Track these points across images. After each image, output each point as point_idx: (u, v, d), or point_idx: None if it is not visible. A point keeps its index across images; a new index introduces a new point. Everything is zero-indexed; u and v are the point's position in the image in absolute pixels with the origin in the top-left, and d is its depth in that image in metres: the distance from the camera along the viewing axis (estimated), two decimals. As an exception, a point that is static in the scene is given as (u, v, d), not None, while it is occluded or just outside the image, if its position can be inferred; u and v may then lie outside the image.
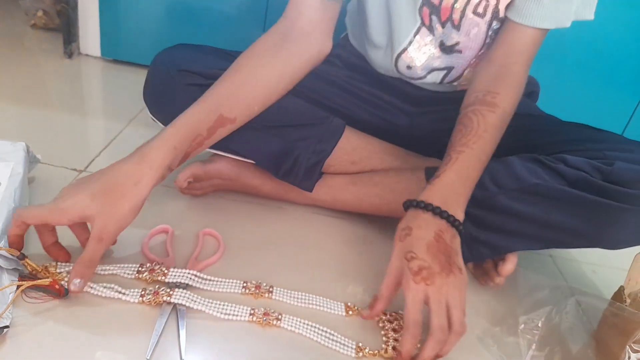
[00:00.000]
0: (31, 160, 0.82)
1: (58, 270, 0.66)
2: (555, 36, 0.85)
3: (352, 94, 0.93)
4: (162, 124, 0.81)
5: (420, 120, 0.94)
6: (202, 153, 0.83)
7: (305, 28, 0.80)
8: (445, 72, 0.87)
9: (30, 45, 1.48)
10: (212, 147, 0.82)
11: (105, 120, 1.15)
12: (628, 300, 0.73)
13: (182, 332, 0.62)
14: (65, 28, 1.39)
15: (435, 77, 0.87)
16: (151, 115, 0.82)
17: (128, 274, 0.69)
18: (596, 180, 0.70)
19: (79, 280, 0.60)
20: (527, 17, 0.76)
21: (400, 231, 0.67)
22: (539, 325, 0.71)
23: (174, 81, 0.79)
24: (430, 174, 0.84)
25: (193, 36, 0.90)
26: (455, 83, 0.90)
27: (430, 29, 0.81)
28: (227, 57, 0.83)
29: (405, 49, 0.84)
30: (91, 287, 0.64)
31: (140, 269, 0.70)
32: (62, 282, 0.63)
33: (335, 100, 0.91)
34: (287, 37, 0.80)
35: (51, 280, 0.59)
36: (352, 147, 0.88)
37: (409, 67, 0.86)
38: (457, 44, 0.82)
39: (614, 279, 0.85)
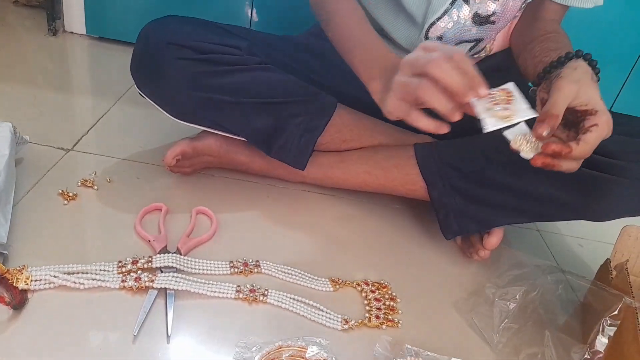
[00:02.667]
0: (18, 142, 0.80)
1: (28, 275, 0.62)
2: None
3: (343, 70, 0.92)
4: (150, 99, 0.79)
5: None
6: (189, 129, 0.82)
7: None
8: (473, 44, 0.86)
9: (13, 22, 1.45)
10: (201, 124, 0.81)
11: (92, 98, 1.13)
12: (614, 273, 0.74)
13: (170, 311, 0.62)
14: (49, 5, 1.36)
15: (463, 49, 0.86)
16: (139, 91, 0.81)
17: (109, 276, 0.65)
18: None
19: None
20: (571, 0, 0.81)
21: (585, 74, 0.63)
22: (517, 297, 0.72)
23: (164, 55, 0.76)
24: (420, 149, 0.84)
25: (181, 12, 0.89)
26: (475, 55, 0.90)
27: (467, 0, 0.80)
28: (218, 30, 0.81)
29: (438, 19, 0.82)
30: (67, 280, 0.63)
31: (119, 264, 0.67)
32: (23, 285, 0.60)
33: (326, 75, 0.90)
34: None
35: None
36: (344, 125, 0.87)
37: (439, 38, 0.84)
38: (492, 14, 0.82)
39: (601, 252, 0.86)
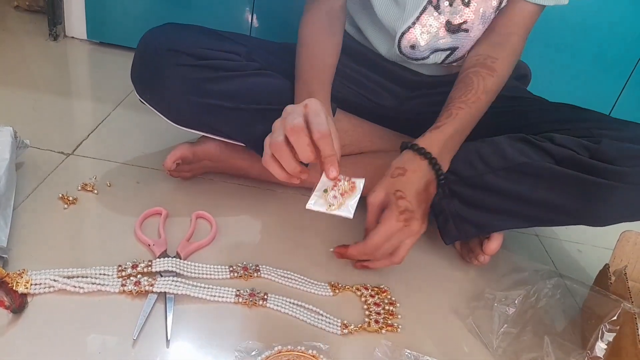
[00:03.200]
0: (19, 146, 0.81)
1: (27, 278, 0.62)
2: (543, 18, 0.84)
3: (340, 75, 0.92)
4: (151, 105, 0.80)
5: (410, 103, 0.94)
6: (189, 134, 0.83)
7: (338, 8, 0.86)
8: (448, 52, 0.86)
9: (14, 27, 1.46)
10: (201, 130, 0.82)
11: (93, 103, 1.14)
12: (613, 278, 0.74)
13: (169, 315, 0.62)
14: (50, 10, 1.37)
15: (438, 57, 0.86)
16: (139, 97, 0.81)
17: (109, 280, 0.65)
18: (583, 157, 0.70)
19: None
20: None
21: (394, 169, 0.72)
22: (516, 302, 0.72)
23: (163, 61, 0.77)
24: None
25: (181, 17, 0.90)
26: (455, 64, 0.89)
27: (437, 7, 0.80)
28: (217, 37, 0.82)
29: (409, 28, 0.82)
30: (66, 284, 0.63)
31: (119, 268, 0.67)
32: (23, 289, 0.59)
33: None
34: (330, 15, 0.85)
35: None
36: (343, 130, 0.87)
37: (412, 47, 0.84)
38: (464, 22, 0.81)
39: (600, 257, 0.86)
